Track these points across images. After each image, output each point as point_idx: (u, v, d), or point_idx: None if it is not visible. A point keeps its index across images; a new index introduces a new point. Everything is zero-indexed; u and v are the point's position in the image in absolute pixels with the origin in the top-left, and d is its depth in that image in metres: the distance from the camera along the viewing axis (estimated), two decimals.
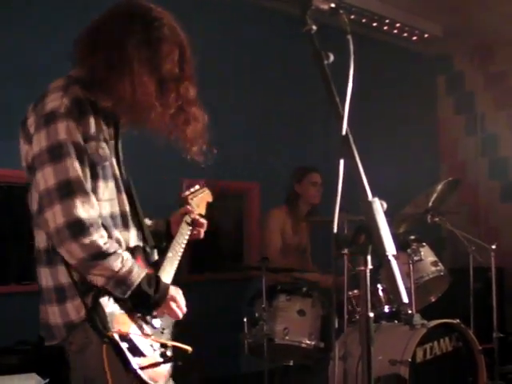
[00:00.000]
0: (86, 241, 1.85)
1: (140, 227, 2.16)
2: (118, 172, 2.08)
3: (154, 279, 2.02)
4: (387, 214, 1.48)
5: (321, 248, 4.57)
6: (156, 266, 2.15)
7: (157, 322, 2.08)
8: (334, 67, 1.58)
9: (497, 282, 4.30)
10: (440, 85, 7.50)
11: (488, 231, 6.79)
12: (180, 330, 4.73)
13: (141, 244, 2.13)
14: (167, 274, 2.18)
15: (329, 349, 3.80)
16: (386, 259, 1.41)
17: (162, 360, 2.03)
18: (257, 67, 5.66)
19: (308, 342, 3.94)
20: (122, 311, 1.95)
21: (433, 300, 4.25)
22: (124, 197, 2.09)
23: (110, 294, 1.91)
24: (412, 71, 6.98)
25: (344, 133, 1.52)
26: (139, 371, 1.91)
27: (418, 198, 4.15)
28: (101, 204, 1.96)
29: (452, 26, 6.36)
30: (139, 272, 1.96)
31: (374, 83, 6.14)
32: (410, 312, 3.69)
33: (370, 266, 1.49)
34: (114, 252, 1.90)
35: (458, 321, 3.70)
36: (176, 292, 2.12)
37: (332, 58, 1.57)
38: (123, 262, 1.91)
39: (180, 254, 2.28)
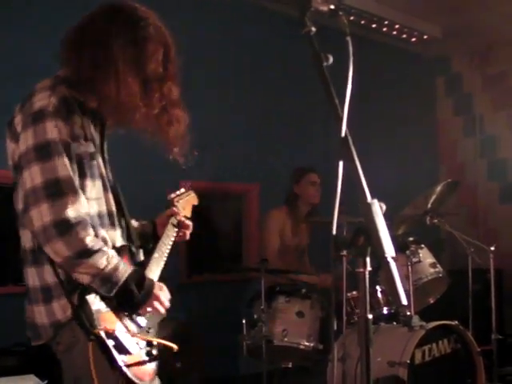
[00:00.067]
0: (72, 239, 1.85)
1: (126, 227, 2.17)
2: (104, 171, 2.09)
3: (139, 277, 2.02)
4: (386, 215, 1.48)
5: (320, 249, 4.57)
6: (142, 266, 2.16)
7: (142, 321, 2.08)
8: (334, 69, 1.58)
9: (495, 284, 4.30)
10: (439, 86, 7.51)
11: (487, 233, 6.79)
12: (179, 330, 4.73)
13: (126, 244, 2.14)
14: (153, 273, 2.19)
15: (327, 350, 3.80)
16: (384, 261, 1.41)
17: (147, 358, 2.04)
18: (256, 68, 5.66)
19: (307, 343, 3.94)
20: (108, 309, 1.95)
21: (431, 302, 4.26)
22: (110, 196, 2.10)
23: (96, 292, 1.92)
24: (411, 72, 6.98)
25: (343, 135, 1.52)
26: (125, 369, 1.91)
27: (417, 199, 4.15)
28: (88, 203, 1.97)
29: (451, 27, 6.36)
30: (125, 269, 1.96)
31: (373, 84, 6.15)
32: (408, 314, 3.69)
33: (368, 268, 1.49)
34: (99, 249, 1.90)
35: (456, 322, 3.70)
36: (160, 289, 2.11)
37: (331, 59, 1.57)
38: (108, 259, 1.92)
39: (166, 254, 2.29)
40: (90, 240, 1.88)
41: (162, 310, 2.11)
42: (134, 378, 1.94)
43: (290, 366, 4.12)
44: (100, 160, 2.07)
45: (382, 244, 1.42)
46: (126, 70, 1.99)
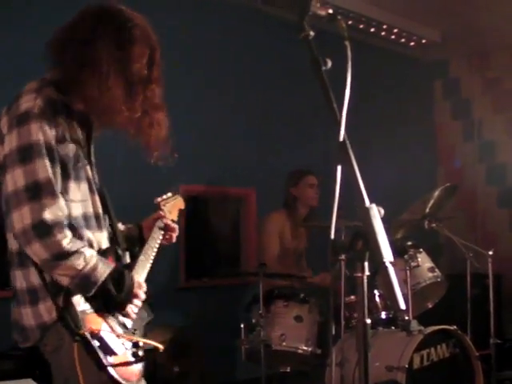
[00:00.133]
0: (49, 241, 1.86)
1: (112, 230, 2.18)
2: (90, 174, 2.09)
3: (119, 275, 2.02)
4: (384, 219, 1.48)
5: (317, 253, 4.57)
6: (128, 269, 2.17)
7: (128, 323, 2.09)
8: (332, 73, 1.58)
9: (494, 288, 4.30)
10: (437, 90, 7.52)
11: (485, 237, 6.79)
12: (178, 334, 4.73)
13: (113, 246, 2.15)
14: (139, 276, 2.20)
15: (326, 355, 3.80)
16: (383, 265, 1.41)
17: (133, 359, 2.04)
18: (256, 70, 5.66)
19: (305, 348, 3.94)
20: (94, 310, 1.96)
21: (430, 306, 4.25)
22: (97, 198, 2.10)
23: (76, 293, 1.92)
24: (409, 77, 6.99)
25: (341, 139, 1.52)
26: (110, 369, 1.91)
27: (416, 203, 4.15)
28: (73, 205, 1.98)
29: (450, 31, 6.38)
30: (104, 269, 1.96)
31: (371, 89, 6.15)
32: (406, 318, 3.69)
33: (367, 273, 1.49)
34: (76, 251, 1.91)
35: (455, 327, 3.70)
36: (139, 286, 2.12)
37: (330, 63, 1.57)
38: (86, 259, 1.92)
39: (152, 257, 2.31)
40: (66, 242, 1.89)
41: (140, 304, 2.12)
42: (120, 379, 1.93)
43: (288, 370, 4.11)
44: (86, 162, 2.08)
45: (381, 248, 1.42)
46: (111, 72, 1.99)
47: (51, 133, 1.91)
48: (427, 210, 4.14)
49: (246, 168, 5.49)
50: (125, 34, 2.03)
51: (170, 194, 2.56)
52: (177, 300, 5.12)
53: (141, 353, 2.07)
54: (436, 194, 4.10)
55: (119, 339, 2.00)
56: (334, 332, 3.37)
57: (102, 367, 1.89)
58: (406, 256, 3.90)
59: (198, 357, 4.65)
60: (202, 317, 5.16)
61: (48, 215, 1.86)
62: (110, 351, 1.93)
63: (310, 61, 1.57)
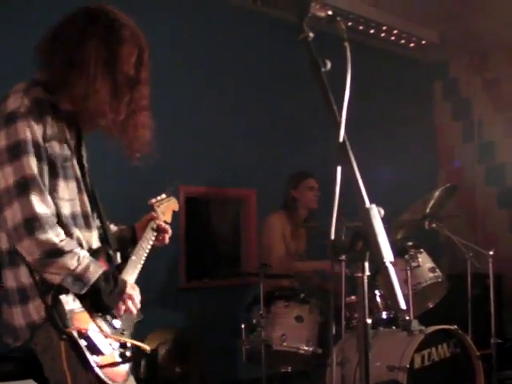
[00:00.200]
0: (42, 238, 1.87)
1: (103, 230, 2.19)
2: (79, 173, 2.10)
3: (111, 276, 2.03)
4: (385, 220, 1.49)
5: (318, 255, 4.57)
6: (118, 269, 2.17)
7: (117, 323, 2.09)
8: (332, 74, 1.58)
9: (495, 288, 4.30)
10: (437, 91, 7.52)
11: (485, 237, 6.79)
12: (178, 335, 4.73)
13: (103, 246, 2.16)
14: (129, 276, 2.20)
15: (326, 355, 3.80)
16: (383, 266, 1.42)
17: (120, 360, 2.03)
18: (255, 72, 5.66)
19: (306, 348, 3.94)
20: (82, 309, 1.96)
21: (430, 306, 4.25)
22: (85, 198, 2.11)
23: (69, 292, 1.93)
24: (409, 78, 6.99)
25: (341, 140, 1.52)
26: (97, 369, 1.91)
27: (416, 204, 4.15)
28: (61, 203, 1.99)
29: (449, 32, 6.38)
30: (96, 269, 1.97)
31: (371, 90, 6.16)
32: (407, 318, 3.69)
33: (367, 273, 1.49)
34: (71, 250, 1.92)
35: (455, 327, 3.70)
36: (133, 289, 2.11)
37: (329, 65, 1.58)
38: (79, 260, 1.93)
39: (144, 258, 2.31)
40: (59, 240, 1.90)
41: (134, 311, 2.11)
42: (106, 379, 1.93)
43: (289, 370, 4.12)
44: (75, 162, 2.09)
45: (381, 248, 1.42)
46: (98, 74, 2.00)
47: (38, 131, 1.93)
48: (427, 211, 4.15)
49: (246, 169, 5.50)
50: (113, 34, 2.04)
51: (164, 196, 2.57)
52: (177, 301, 5.12)
53: (128, 353, 2.07)
54: (436, 194, 4.11)
55: (107, 339, 2.00)
56: (334, 332, 3.37)
57: (89, 367, 1.89)
58: (406, 256, 3.91)
59: (198, 357, 4.65)
60: (203, 317, 5.17)
61: (39, 210, 1.88)
62: (97, 351, 1.93)
63: (309, 62, 1.58)
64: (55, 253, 1.89)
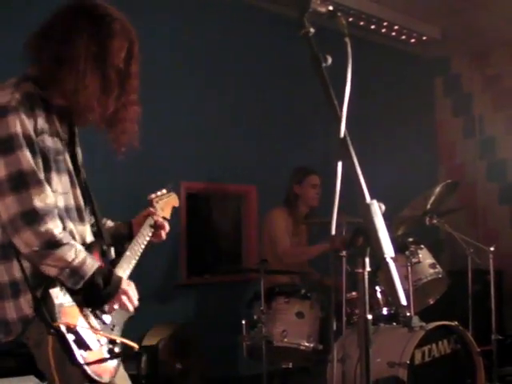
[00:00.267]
0: (41, 229, 1.88)
1: (97, 225, 2.19)
2: (71, 167, 2.10)
3: (106, 271, 2.03)
4: (385, 216, 1.49)
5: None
6: (112, 264, 2.17)
7: (107, 318, 2.08)
8: (332, 70, 1.58)
9: (495, 285, 4.30)
10: (437, 86, 7.51)
11: (486, 233, 6.79)
12: (179, 331, 4.74)
13: (97, 241, 2.16)
14: (123, 271, 2.19)
15: (327, 351, 3.80)
16: (384, 261, 1.41)
17: (108, 356, 2.03)
18: (256, 69, 5.66)
19: (306, 344, 3.94)
20: (72, 304, 1.96)
21: (431, 302, 4.25)
22: (78, 192, 2.11)
23: (62, 286, 1.93)
24: (410, 73, 6.98)
25: (342, 135, 1.52)
26: (84, 365, 1.91)
27: (417, 200, 4.15)
28: (55, 196, 1.99)
29: (450, 28, 6.37)
30: (92, 263, 1.97)
31: (372, 86, 6.15)
32: (408, 314, 3.69)
33: (368, 269, 1.49)
34: (68, 243, 1.92)
35: (456, 323, 3.70)
36: (128, 285, 2.10)
37: (330, 60, 1.57)
38: (77, 252, 1.93)
39: (139, 253, 2.29)
40: (58, 232, 1.91)
41: (131, 307, 2.10)
42: (92, 375, 1.93)
43: (289, 366, 4.12)
44: (67, 156, 2.09)
45: (382, 244, 1.42)
46: (87, 68, 2.00)
47: (29, 124, 1.93)
48: (428, 207, 4.14)
49: (246, 165, 5.50)
50: (104, 28, 2.03)
51: (164, 191, 2.56)
52: (178, 297, 5.12)
53: (117, 349, 2.07)
54: (437, 190, 4.10)
55: (95, 335, 1.99)
56: (335, 328, 3.38)
57: (76, 362, 1.89)
58: (407, 252, 3.91)
59: (199, 353, 4.66)
60: (204, 313, 5.17)
61: (38, 203, 1.88)
62: (84, 346, 1.93)
63: (310, 58, 1.58)
64: (54, 244, 1.89)
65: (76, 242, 1.97)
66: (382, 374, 3.36)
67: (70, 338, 1.89)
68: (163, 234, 2.44)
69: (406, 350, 3.41)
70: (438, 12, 6.03)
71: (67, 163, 2.08)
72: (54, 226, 1.90)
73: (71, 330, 1.90)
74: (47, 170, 1.98)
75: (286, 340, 3.92)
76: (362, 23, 5.99)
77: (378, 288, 4.00)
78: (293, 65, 5.20)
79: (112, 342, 2.06)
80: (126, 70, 2.10)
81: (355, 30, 5.88)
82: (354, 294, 3.91)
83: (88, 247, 2.06)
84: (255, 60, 5.65)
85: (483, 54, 7.02)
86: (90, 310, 2.02)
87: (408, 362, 3.36)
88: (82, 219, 2.10)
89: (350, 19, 5.76)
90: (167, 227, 2.45)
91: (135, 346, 2.08)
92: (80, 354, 1.90)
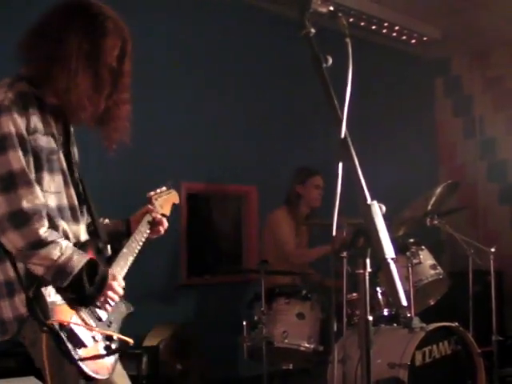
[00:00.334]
0: (26, 230, 1.88)
1: (92, 223, 2.19)
2: (65, 166, 2.10)
3: (93, 266, 2.01)
4: (386, 217, 1.48)
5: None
6: (109, 261, 2.17)
7: (103, 315, 2.08)
8: (333, 70, 1.58)
9: (496, 286, 4.29)
10: (438, 87, 7.51)
11: (487, 234, 6.79)
12: (179, 332, 4.73)
13: (93, 239, 2.16)
14: (120, 268, 2.19)
15: (328, 352, 3.80)
16: (385, 262, 1.41)
17: (104, 352, 2.02)
18: (256, 69, 5.66)
19: (307, 345, 3.94)
20: (65, 301, 1.96)
21: (432, 303, 4.25)
22: (72, 191, 2.11)
23: (50, 284, 1.93)
24: (410, 74, 6.98)
25: (343, 136, 1.52)
26: (79, 362, 1.90)
27: (417, 201, 4.15)
28: (47, 196, 1.99)
29: (451, 28, 6.37)
30: (79, 259, 1.97)
31: (372, 86, 6.15)
32: (408, 315, 3.68)
33: (368, 269, 1.49)
34: (53, 241, 1.92)
35: (456, 324, 3.70)
36: (113, 278, 2.09)
37: (330, 61, 1.57)
38: (62, 250, 1.93)
39: (137, 250, 2.29)
40: (43, 231, 1.91)
41: (116, 298, 2.09)
42: (88, 371, 1.92)
43: (290, 367, 4.12)
44: (61, 155, 2.09)
45: (382, 245, 1.42)
46: (79, 67, 2.00)
47: (22, 124, 1.94)
48: (429, 207, 4.14)
49: (247, 165, 5.50)
50: (97, 27, 2.04)
51: (164, 188, 2.56)
52: (178, 297, 5.12)
53: (114, 345, 2.06)
54: (438, 191, 4.10)
55: (91, 332, 1.99)
56: (335, 329, 3.37)
57: (71, 359, 1.89)
58: (407, 253, 3.90)
59: (199, 354, 4.66)
60: (204, 314, 5.17)
61: (26, 204, 1.89)
62: (79, 343, 1.93)
63: (310, 58, 1.58)
64: (38, 244, 1.90)
65: (63, 240, 1.97)
66: (382, 375, 3.36)
67: (64, 335, 1.89)
68: (162, 230, 2.43)
69: (406, 351, 3.40)
70: (438, 12, 6.03)
71: (61, 162, 2.08)
72: (40, 226, 1.91)
73: (64, 327, 1.90)
74: (39, 169, 1.98)
75: (286, 341, 3.92)
76: (362, 24, 5.99)
77: (378, 289, 4.00)
78: (293, 65, 5.20)
79: (109, 338, 2.06)
80: (119, 68, 2.11)
81: (356, 30, 5.88)
82: (354, 294, 3.91)
83: (82, 245, 2.07)
84: (255, 60, 5.64)
85: (483, 54, 7.02)
86: (84, 307, 2.02)
87: (408, 363, 3.36)
88: (75, 218, 2.10)
89: (351, 20, 5.76)
90: (166, 224, 2.44)
91: (130, 341, 2.07)
92: (75, 351, 1.90)
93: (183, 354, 4.55)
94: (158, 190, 2.53)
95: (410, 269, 3.83)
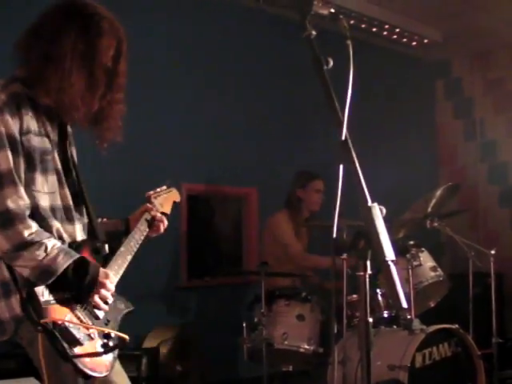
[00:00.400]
0: (10, 232, 1.88)
1: (90, 223, 2.18)
2: (60, 167, 2.09)
3: (82, 264, 2.00)
4: (386, 219, 1.48)
5: (320, 253, 4.57)
6: (106, 260, 2.16)
7: (100, 313, 2.07)
8: (334, 72, 1.58)
9: (496, 287, 4.30)
10: (438, 89, 7.51)
11: (487, 236, 6.79)
12: (179, 333, 4.73)
13: (89, 238, 2.15)
14: (118, 267, 2.17)
15: (328, 354, 3.80)
16: (385, 264, 1.41)
17: (102, 350, 2.01)
18: (256, 70, 5.66)
19: (307, 346, 3.94)
20: (59, 300, 1.95)
21: (432, 305, 4.25)
22: (67, 191, 2.10)
23: (35, 284, 1.92)
24: (411, 76, 6.99)
25: (343, 138, 1.52)
26: (75, 360, 1.90)
27: (418, 203, 4.15)
28: (40, 195, 1.99)
29: (451, 31, 6.37)
30: (66, 259, 1.95)
31: (373, 88, 6.15)
32: (409, 317, 3.69)
33: (369, 271, 1.49)
34: (38, 242, 1.92)
35: (457, 326, 3.70)
36: (105, 277, 2.07)
37: (331, 63, 1.57)
38: (47, 250, 1.92)
39: (135, 249, 2.28)
40: (28, 233, 1.90)
41: (109, 296, 2.08)
42: (85, 369, 1.92)
43: (290, 369, 4.12)
44: (56, 155, 2.08)
45: (383, 247, 1.42)
46: (73, 67, 2.00)
47: (14, 125, 1.94)
48: (429, 210, 4.14)
49: (247, 167, 5.50)
50: (93, 27, 2.04)
51: (164, 187, 2.56)
52: (179, 299, 5.12)
53: (111, 343, 2.05)
54: (438, 193, 4.10)
55: (87, 330, 1.98)
56: (335, 331, 3.37)
57: (66, 358, 1.88)
58: (408, 255, 3.90)
59: (199, 355, 4.66)
60: (204, 316, 5.17)
61: (10, 205, 1.89)
62: (74, 342, 1.92)
63: (311, 60, 1.58)
64: (23, 245, 1.90)
65: (51, 240, 1.96)
66: (382, 376, 3.36)
67: (59, 334, 1.88)
68: (161, 228, 2.43)
69: (406, 353, 3.40)
70: (439, 15, 6.04)
71: (56, 163, 2.08)
72: (24, 228, 1.90)
73: (59, 326, 1.89)
74: (31, 169, 1.98)
75: (286, 342, 3.92)
76: (363, 26, 6.00)
77: (378, 291, 4.00)
78: (293, 65, 5.20)
79: (106, 336, 2.05)
80: (114, 68, 2.11)
81: (357, 32, 5.89)
82: (354, 296, 3.91)
83: (78, 245, 2.06)
84: (255, 60, 5.64)
85: (484, 56, 7.02)
86: (79, 305, 2.01)
87: (409, 364, 3.36)
88: (70, 219, 2.09)
89: (352, 22, 5.77)
90: (166, 222, 2.44)
91: (126, 337, 2.06)
92: (70, 350, 1.89)
93: (183, 355, 4.55)
94: (158, 189, 2.53)
95: (410, 271, 3.83)
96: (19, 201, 1.91)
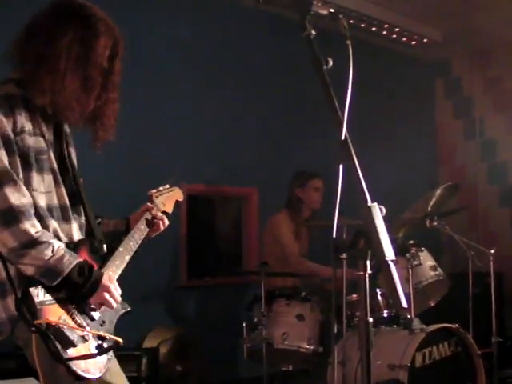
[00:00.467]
0: (17, 229, 1.88)
1: (88, 222, 2.18)
2: (56, 166, 2.09)
3: (86, 268, 2.00)
4: (386, 218, 1.48)
5: (320, 253, 4.57)
6: (104, 260, 2.15)
7: (96, 314, 2.06)
8: (333, 72, 1.58)
9: (496, 287, 4.30)
10: (438, 89, 7.52)
11: (487, 236, 6.79)
12: (179, 333, 4.73)
13: (87, 238, 2.15)
14: (116, 267, 2.16)
15: (328, 353, 3.79)
16: (385, 264, 1.41)
17: (96, 352, 1.99)
18: (256, 71, 5.66)
19: (307, 346, 3.94)
20: (54, 301, 1.95)
21: (432, 304, 4.25)
22: (63, 190, 2.10)
23: (40, 283, 1.92)
24: (411, 76, 6.99)
25: (343, 138, 1.52)
26: (68, 361, 1.89)
27: (417, 202, 4.15)
28: (36, 195, 1.99)
29: (451, 30, 6.37)
30: (70, 260, 1.96)
31: (372, 88, 6.15)
32: (408, 316, 3.69)
33: (369, 271, 1.49)
34: (45, 241, 1.92)
35: (457, 325, 3.70)
36: (110, 281, 2.07)
37: (331, 63, 1.58)
38: (54, 250, 1.93)
39: (134, 249, 2.26)
40: (35, 231, 1.91)
41: (114, 304, 2.07)
42: (78, 371, 1.91)
43: (290, 368, 4.12)
44: (52, 155, 2.08)
45: (382, 247, 1.42)
46: (68, 68, 2.01)
47: (8, 125, 1.94)
48: (429, 209, 4.14)
49: (247, 167, 5.50)
50: (89, 28, 2.04)
51: (167, 186, 2.55)
52: (179, 299, 5.12)
53: (106, 345, 2.04)
54: (438, 192, 4.10)
55: (81, 331, 1.97)
56: (335, 330, 3.37)
57: (59, 359, 1.87)
58: (407, 254, 3.90)
59: (199, 355, 4.66)
60: (204, 316, 5.17)
61: (14, 202, 1.89)
62: (68, 343, 1.91)
63: (311, 60, 1.58)
64: (30, 244, 1.89)
65: (56, 240, 1.96)
66: (382, 376, 3.36)
67: (52, 335, 1.88)
68: (161, 227, 2.42)
69: (406, 353, 3.40)
70: (438, 14, 6.04)
71: (51, 162, 2.08)
72: (31, 226, 1.90)
73: (53, 327, 1.88)
74: (27, 168, 1.99)
75: (286, 342, 3.92)
76: (362, 25, 6.00)
77: (378, 290, 4.00)
78: (293, 65, 5.20)
79: (101, 337, 2.04)
80: (109, 68, 2.11)
81: (356, 32, 5.89)
82: (354, 296, 3.91)
83: (76, 245, 2.06)
84: (255, 60, 5.64)
85: (483, 55, 7.02)
86: (73, 306, 2.00)
87: (409, 364, 3.36)
88: (66, 218, 2.09)
89: (351, 21, 5.76)
90: (166, 220, 2.43)
91: (119, 340, 2.05)
92: (63, 351, 1.89)
93: (183, 355, 4.55)
94: (161, 188, 2.52)
95: (410, 270, 3.83)
96: (22, 198, 1.91)
